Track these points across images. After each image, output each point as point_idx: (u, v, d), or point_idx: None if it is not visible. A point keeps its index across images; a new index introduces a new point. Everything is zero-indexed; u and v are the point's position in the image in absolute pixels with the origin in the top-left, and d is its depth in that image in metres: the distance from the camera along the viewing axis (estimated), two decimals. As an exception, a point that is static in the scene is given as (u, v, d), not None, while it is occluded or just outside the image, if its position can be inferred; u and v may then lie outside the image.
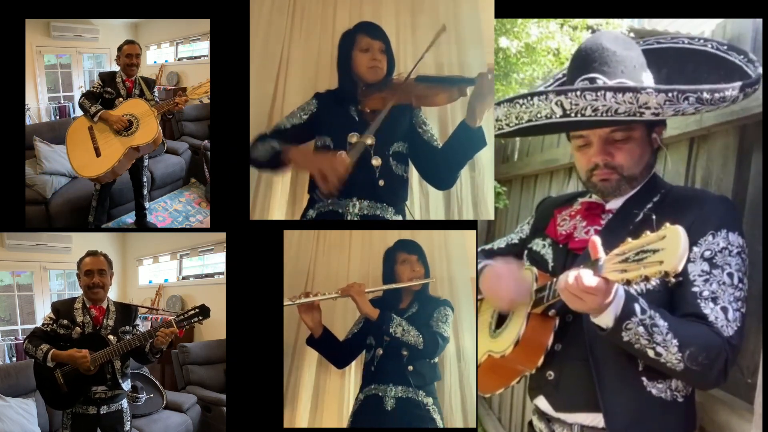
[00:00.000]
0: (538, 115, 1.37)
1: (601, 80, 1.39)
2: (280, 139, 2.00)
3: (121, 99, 2.62)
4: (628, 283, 1.14)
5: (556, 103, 1.32)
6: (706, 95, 1.30)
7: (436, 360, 2.20)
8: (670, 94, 1.28)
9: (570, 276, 1.23)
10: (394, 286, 2.19)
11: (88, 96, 2.60)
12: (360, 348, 2.26)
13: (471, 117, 1.91)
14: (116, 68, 2.69)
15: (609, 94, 1.28)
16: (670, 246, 1.07)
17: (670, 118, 1.49)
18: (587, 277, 1.19)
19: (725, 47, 1.49)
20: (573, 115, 1.32)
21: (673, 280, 1.09)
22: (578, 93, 1.30)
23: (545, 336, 1.45)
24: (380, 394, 2.13)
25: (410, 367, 2.13)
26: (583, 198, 1.59)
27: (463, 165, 2.06)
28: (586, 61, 1.42)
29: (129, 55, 2.67)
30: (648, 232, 1.12)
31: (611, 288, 1.20)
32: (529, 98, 1.37)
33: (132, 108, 2.55)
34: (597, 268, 1.19)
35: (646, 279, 1.10)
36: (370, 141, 1.97)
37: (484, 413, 3.64)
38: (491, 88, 1.88)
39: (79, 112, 2.64)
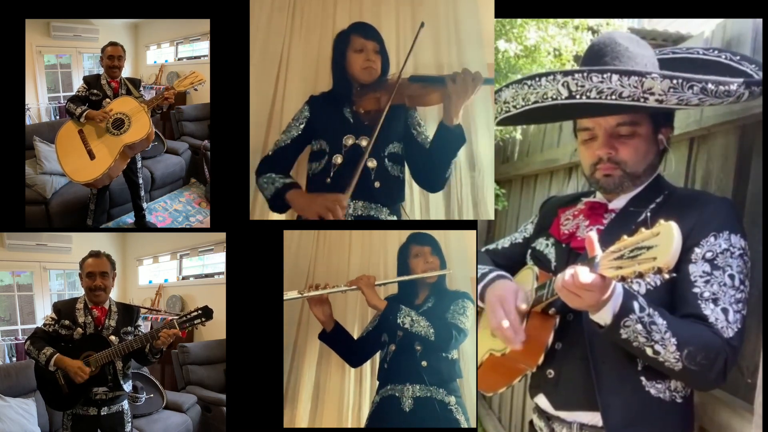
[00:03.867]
0: (545, 96, 1.38)
1: None
2: (286, 162, 2.03)
3: (108, 100, 2.59)
4: (623, 279, 1.14)
5: (562, 84, 1.33)
6: (710, 86, 1.30)
7: (455, 356, 2.12)
8: (674, 81, 1.28)
9: (566, 273, 1.23)
10: (405, 278, 2.15)
11: (74, 99, 2.57)
12: (375, 346, 2.20)
13: (446, 116, 1.92)
14: (101, 71, 2.67)
15: (615, 77, 1.29)
16: (664, 242, 1.08)
17: (675, 113, 1.50)
18: (583, 274, 1.19)
19: (738, 57, 1.50)
20: (578, 96, 1.33)
21: (666, 276, 1.09)
22: (585, 74, 1.31)
23: (545, 334, 1.45)
24: (397, 394, 2.07)
25: (424, 363, 2.05)
26: (587, 198, 1.60)
27: (448, 166, 2.03)
28: (598, 55, 1.44)
29: (111, 56, 2.65)
30: (643, 229, 1.12)
31: (608, 284, 1.21)
32: (536, 79, 1.38)
33: (122, 106, 2.52)
34: (593, 266, 1.19)
35: (641, 275, 1.10)
36: (365, 143, 1.98)
37: (484, 413, 3.64)
38: (465, 86, 1.88)
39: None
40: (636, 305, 1.25)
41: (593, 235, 1.23)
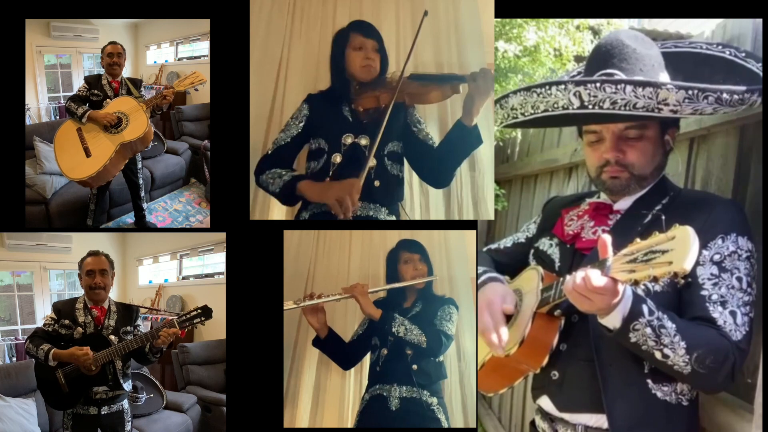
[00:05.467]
0: (555, 105, 1.35)
1: (620, 76, 1.37)
2: (286, 161, 2.02)
3: (108, 100, 2.58)
4: (636, 283, 1.13)
5: (574, 94, 1.31)
6: (725, 96, 1.29)
7: (442, 359, 2.20)
8: (690, 92, 1.27)
9: (577, 276, 1.22)
10: (397, 285, 2.20)
11: (75, 99, 2.56)
12: (365, 349, 2.27)
13: (467, 116, 1.92)
14: (102, 71, 2.67)
15: (629, 88, 1.27)
16: (680, 246, 1.06)
17: (684, 118, 1.49)
18: (595, 277, 1.18)
19: (743, 54, 1.48)
20: (591, 107, 1.30)
21: (682, 281, 1.08)
22: (598, 85, 1.28)
23: (550, 336, 1.44)
24: (385, 394, 2.14)
25: (415, 366, 2.13)
26: (591, 198, 1.59)
27: (459, 163, 2.06)
28: (605, 57, 1.42)
29: (110, 54, 2.65)
30: (657, 233, 1.11)
31: (619, 288, 1.19)
32: (547, 87, 1.35)
33: (120, 105, 2.52)
34: (605, 268, 1.18)
35: (655, 279, 1.09)
36: (364, 141, 1.97)
37: (484, 413, 3.64)
38: (486, 86, 1.88)
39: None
40: (645, 309, 1.25)
41: (607, 237, 1.21)
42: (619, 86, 1.27)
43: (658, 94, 1.26)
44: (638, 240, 1.14)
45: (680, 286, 1.19)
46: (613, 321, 1.26)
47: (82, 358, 2.11)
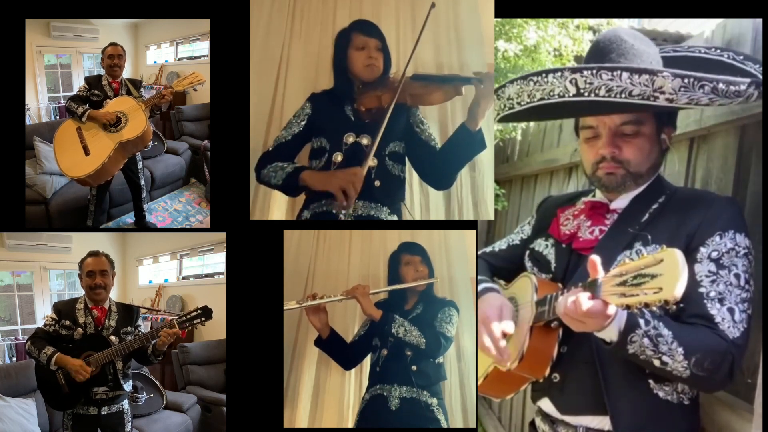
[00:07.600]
0: (551, 93, 1.35)
1: None
2: (286, 158, 2.02)
3: (108, 100, 2.59)
4: (628, 307, 1.12)
5: (570, 81, 1.31)
6: (721, 86, 1.29)
7: (441, 360, 2.21)
8: (686, 80, 1.26)
9: (568, 300, 1.22)
10: (397, 286, 2.21)
11: (75, 99, 2.58)
12: (367, 349, 2.27)
13: (471, 120, 1.91)
14: (102, 71, 2.68)
15: (625, 75, 1.27)
16: (669, 272, 1.05)
17: (678, 112, 1.48)
18: (585, 301, 1.18)
19: (741, 57, 1.48)
20: (586, 94, 1.30)
21: (674, 307, 1.07)
22: (594, 71, 1.28)
23: (550, 347, 1.44)
24: (385, 394, 2.15)
25: (414, 367, 2.14)
26: (586, 197, 1.58)
27: (462, 166, 2.06)
28: (603, 52, 1.42)
29: (111, 56, 2.66)
30: (645, 253, 1.10)
31: (609, 310, 1.18)
32: (543, 75, 1.35)
33: (119, 105, 2.53)
34: (595, 288, 1.18)
35: (647, 305, 1.08)
36: (366, 141, 1.97)
37: (484, 413, 3.64)
38: (491, 90, 1.88)
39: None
40: (641, 320, 1.24)
41: (596, 258, 1.20)
42: (615, 73, 1.27)
43: (654, 81, 1.26)
44: (627, 260, 1.14)
45: (672, 312, 1.18)
46: (609, 335, 1.25)
47: (78, 370, 2.11)
